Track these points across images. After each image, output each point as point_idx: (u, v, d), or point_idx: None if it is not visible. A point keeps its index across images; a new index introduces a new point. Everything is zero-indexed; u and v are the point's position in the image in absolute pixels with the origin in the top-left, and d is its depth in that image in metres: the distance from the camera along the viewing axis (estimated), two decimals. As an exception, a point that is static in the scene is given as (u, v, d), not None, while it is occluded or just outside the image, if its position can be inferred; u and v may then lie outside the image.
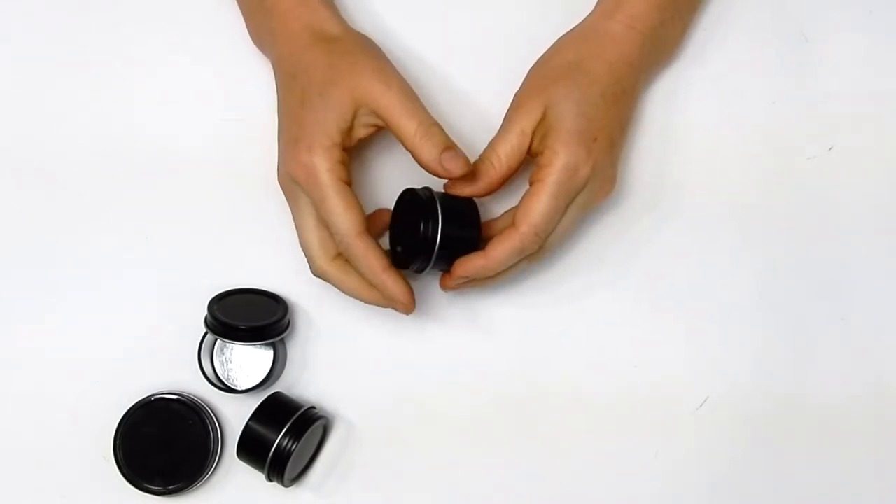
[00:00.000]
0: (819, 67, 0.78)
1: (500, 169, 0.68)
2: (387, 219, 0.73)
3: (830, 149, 0.77)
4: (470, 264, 0.68)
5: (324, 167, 0.66)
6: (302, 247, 0.70)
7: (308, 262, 0.70)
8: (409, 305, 0.68)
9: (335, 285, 0.69)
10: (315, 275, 0.70)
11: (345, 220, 0.66)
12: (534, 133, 0.68)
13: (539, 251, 0.69)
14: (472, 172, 0.68)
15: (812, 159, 0.77)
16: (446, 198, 0.69)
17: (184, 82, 0.78)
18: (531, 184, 0.68)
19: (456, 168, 0.66)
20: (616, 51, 0.71)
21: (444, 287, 0.71)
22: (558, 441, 0.74)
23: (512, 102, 0.71)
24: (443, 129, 0.67)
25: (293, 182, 0.68)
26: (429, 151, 0.66)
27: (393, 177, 0.75)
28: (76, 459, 0.74)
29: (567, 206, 0.68)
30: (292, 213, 0.70)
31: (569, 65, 0.70)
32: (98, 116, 0.78)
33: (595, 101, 0.69)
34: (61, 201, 0.77)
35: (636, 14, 0.72)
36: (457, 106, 0.76)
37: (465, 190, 0.69)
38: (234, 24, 0.77)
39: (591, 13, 0.74)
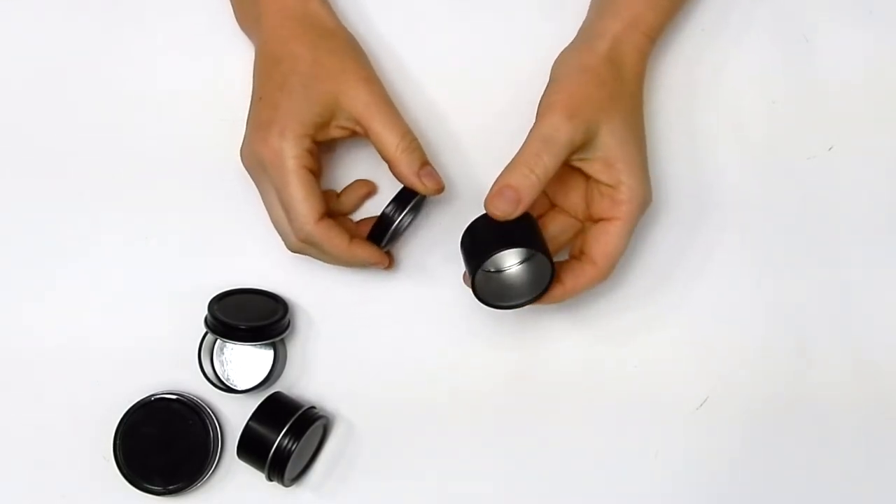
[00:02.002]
0: (819, 67, 0.78)
1: (544, 181, 0.65)
2: (365, 190, 0.75)
3: (830, 149, 0.77)
4: (549, 295, 0.68)
5: (291, 153, 0.67)
6: (277, 222, 0.70)
7: (284, 237, 0.70)
8: (384, 263, 0.72)
9: (322, 248, 0.69)
10: (295, 248, 0.70)
11: (303, 208, 0.67)
12: (581, 148, 0.66)
13: None
14: (511, 188, 0.64)
15: (812, 159, 0.77)
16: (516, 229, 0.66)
17: (183, 83, 0.78)
18: (603, 217, 0.67)
19: (432, 185, 0.69)
20: (642, 64, 0.71)
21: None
22: (558, 441, 0.74)
23: (560, 106, 0.66)
24: (421, 146, 0.69)
25: (259, 163, 0.68)
26: (408, 166, 0.68)
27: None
28: (76, 459, 0.74)
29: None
30: (260, 192, 0.70)
31: (614, 79, 0.69)
32: (98, 117, 0.78)
33: (640, 124, 0.70)
34: (61, 201, 0.77)
35: (653, 24, 0.71)
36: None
37: (512, 214, 0.65)
38: (235, 25, 0.77)
39: (610, 17, 0.71)
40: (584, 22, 0.74)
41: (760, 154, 0.77)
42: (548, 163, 0.65)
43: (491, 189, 0.65)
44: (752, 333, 0.75)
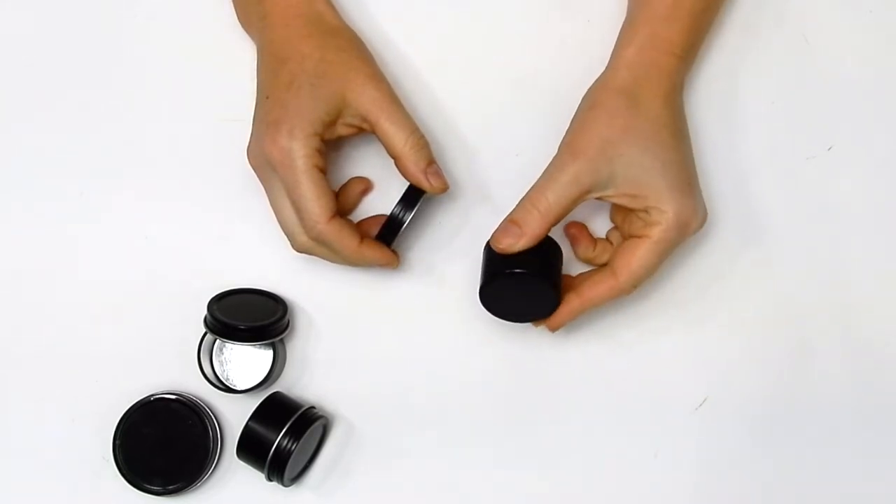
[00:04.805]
0: (819, 67, 0.78)
1: (548, 217, 0.66)
2: (362, 187, 0.75)
3: (830, 149, 0.77)
4: (566, 307, 0.68)
5: (301, 153, 0.67)
6: (284, 221, 0.70)
7: (291, 237, 0.70)
8: (394, 264, 0.72)
9: (332, 247, 0.69)
10: (303, 248, 0.70)
11: (315, 207, 0.67)
12: (593, 186, 0.66)
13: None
14: (514, 222, 0.67)
15: (812, 159, 0.77)
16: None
17: (183, 83, 0.78)
18: (636, 235, 0.67)
19: (438, 184, 0.69)
20: (667, 82, 0.69)
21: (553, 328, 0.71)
22: (558, 441, 0.74)
23: (566, 146, 0.68)
24: (428, 144, 0.69)
25: (267, 163, 0.68)
26: (416, 162, 0.68)
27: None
28: (76, 459, 0.74)
29: (668, 257, 0.68)
30: (266, 191, 0.70)
31: (627, 108, 0.68)
32: (97, 117, 0.78)
33: (669, 145, 0.68)
34: (61, 201, 0.77)
35: (674, 40, 0.70)
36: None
37: (514, 246, 0.67)
38: (235, 24, 0.77)
39: (625, 45, 0.71)
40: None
41: (760, 154, 0.77)
42: (551, 199, 0.66)
43: (498, 226, 0.67)
44: (752, 333, 0.75)
